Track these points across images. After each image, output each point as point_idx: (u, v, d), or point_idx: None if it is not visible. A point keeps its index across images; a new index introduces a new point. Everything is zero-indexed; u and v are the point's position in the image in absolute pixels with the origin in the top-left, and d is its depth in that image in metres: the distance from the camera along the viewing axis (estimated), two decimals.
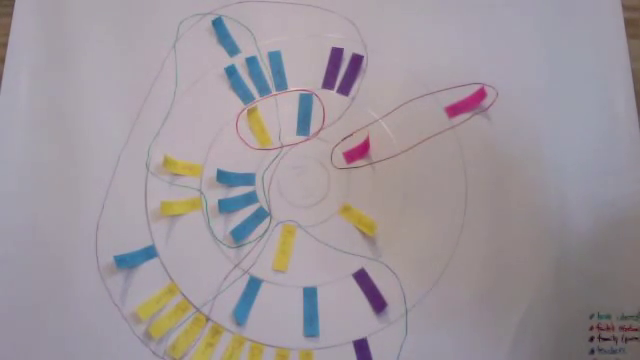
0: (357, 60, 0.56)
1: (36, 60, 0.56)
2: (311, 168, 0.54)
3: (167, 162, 0.53)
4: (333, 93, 0.55)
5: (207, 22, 0.57)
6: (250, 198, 0.53)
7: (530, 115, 0.54)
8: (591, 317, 0.49)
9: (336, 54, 0.56)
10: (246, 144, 0.54)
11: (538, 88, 0.55)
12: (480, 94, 0.54)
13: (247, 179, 0.53)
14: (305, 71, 0.56)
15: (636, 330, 0.49)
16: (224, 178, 0.53)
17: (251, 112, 0.55)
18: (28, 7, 0.58)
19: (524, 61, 0.55)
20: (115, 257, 0.50)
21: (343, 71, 0.56)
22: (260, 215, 0.52)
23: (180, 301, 0.50)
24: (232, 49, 0.57)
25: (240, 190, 0.53)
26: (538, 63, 0.55)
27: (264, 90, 0.56)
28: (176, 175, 0.53)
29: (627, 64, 0.55)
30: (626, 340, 0.49)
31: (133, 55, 0.56)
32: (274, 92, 0.56)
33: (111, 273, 0.51)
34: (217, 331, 0.50)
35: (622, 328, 0.49)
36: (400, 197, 0.52)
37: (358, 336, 0.49)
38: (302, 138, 0.54)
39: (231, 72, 0.56)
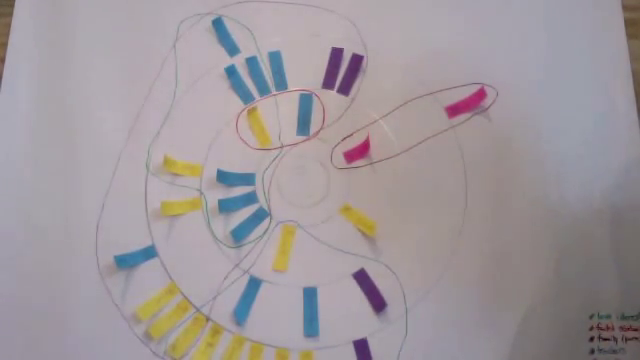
0: (357, 60, 0.56)
1: (36, 60, 0.56)
2: (311, 168, 0.54)
3: (167, 162, 0.53)
4: (333, 93, 0.55)
5: (207, 22, 0.57)
6: (250, 198, 0.53)
7: (530, 115, 0.54)
8: (591, 317, 0.49)
9: (336, 54, 0.56)
10: (246, 144, 0.54)
11: (538, 88, 0.55)
12: (480, 94, 0.54)
13: (247, 179, 0.53)
14: (305, 71, 0.56)
15: (636, 330, 0.49)
16: (224, 178, 0.53)
17: (251, 112, 0.55)
18: (28, 7, 0.58)
19: (524, 61, 0.55)
20: (115, 257, 0.50)
21: (343, 71, 0.56)
22: (260, 215, 0.52)
23: (180, 301, 0.50)
24: (232, 49, 0.57)
25: (240, 190, 0.53)
26: (538, 63, 0.55)
27: (264, 90, 0.56)
28: (176, 175, 0.53)
29: (627, 64, 0.55)
30: (626, 340, 0.49)
31: (133, 55, 0.56)
32: (274, 92, 0.56)
33: (111, 273, 0.51)
34: (217, 331, 0.50)
35: (622, 328, 0.49)
36: (400, 197, 0.52)
37: (358, 336, 0.49)
38: (302, 138, 0.54)
39: (231, 72, 0.56)
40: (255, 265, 0.51)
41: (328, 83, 0.56)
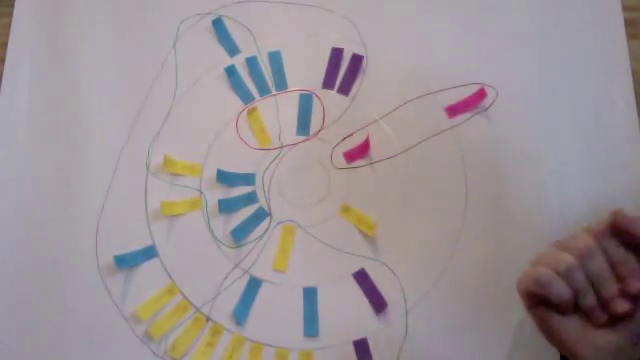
0: (357, 60, 0.56)
1: (36, 60, 0.56)
2: (311, 168, 0.54)
3: (167, 162, 0.53)
4: (333, 93, 0.55)
5: (207, 22, 0.57)
6: (250, 198, 0.53)
7: (530, 115, 0.54)
8: None
9: (336, 54, 0.56)
10: (246, 144, 0.54)
11: (538, 88, 0.55)
12: (480, 94, 0.54)
13: (247, 179, 0.53)
14: (305, 71, 0.56)
15: None
16: (224, 178, 0.53)
17: (251, 112, 0.55)
18: (28, 7, 0.58)
19: (524, 61, 0.55)
20: (115, 257, 0.50)
21: (343, 71, 0.56)
22: (260, 215, 0.52)
23: (180, 301, 0.50)
24: (232, 49, 0.57)
25: (240, 190, 0.53)
26: (538, 63, 0.55)
27: (264, 90, 0.56)
28: (176, 175, 0.53)
29: (627, 64, 0.55)
30: None
31: (133, 55, 0.56)
32: (274, 92, 0.56)
33: (111, 273, 0.51)
34: (217, 331, 0.50)
35: None
36: (400, 197, 0.52)
37: (358, 336, 0.49)
38: (302, 138, 0.54)
39: (231, 72, 0.56)
40: (255, 265, 0.51)
41: (328, 83, 0.56)
